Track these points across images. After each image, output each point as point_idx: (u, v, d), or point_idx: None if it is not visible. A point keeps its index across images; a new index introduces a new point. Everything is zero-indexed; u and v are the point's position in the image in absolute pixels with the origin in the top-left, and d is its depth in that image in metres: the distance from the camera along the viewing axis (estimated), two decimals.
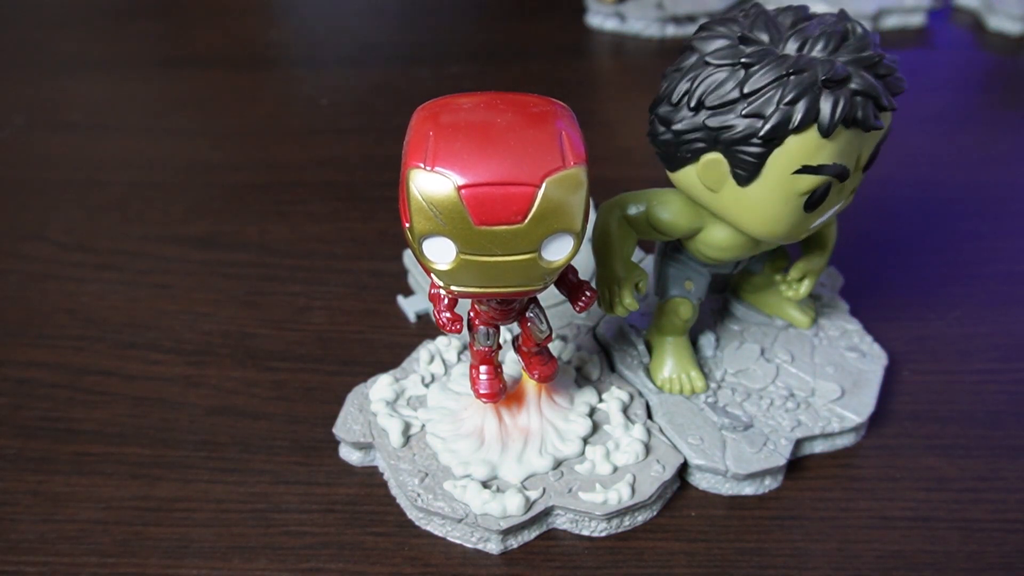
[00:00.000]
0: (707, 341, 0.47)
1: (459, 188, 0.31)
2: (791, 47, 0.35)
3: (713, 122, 0.35)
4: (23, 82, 0.74)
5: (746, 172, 0.36)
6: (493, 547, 0.39)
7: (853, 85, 0.34)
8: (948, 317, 0.51)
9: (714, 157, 0.36)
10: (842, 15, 0.36)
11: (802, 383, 0.45)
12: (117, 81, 0.75)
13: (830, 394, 0.44)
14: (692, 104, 0.35)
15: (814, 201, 0.36)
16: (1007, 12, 0.80)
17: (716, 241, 0.40)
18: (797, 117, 0.34)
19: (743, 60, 0.34)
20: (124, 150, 0.66)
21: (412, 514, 0.41)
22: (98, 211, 0.60)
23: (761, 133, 0.34)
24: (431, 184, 0.31)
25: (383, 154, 0.64)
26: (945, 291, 0.53)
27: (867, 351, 0.46)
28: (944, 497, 0.42)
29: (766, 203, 0.36)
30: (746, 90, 0.34)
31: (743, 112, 0.34)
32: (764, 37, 0.35)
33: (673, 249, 0.43)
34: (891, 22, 0.81)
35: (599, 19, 0.82)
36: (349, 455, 0.43)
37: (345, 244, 0.57)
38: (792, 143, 0.34)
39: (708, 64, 0.35)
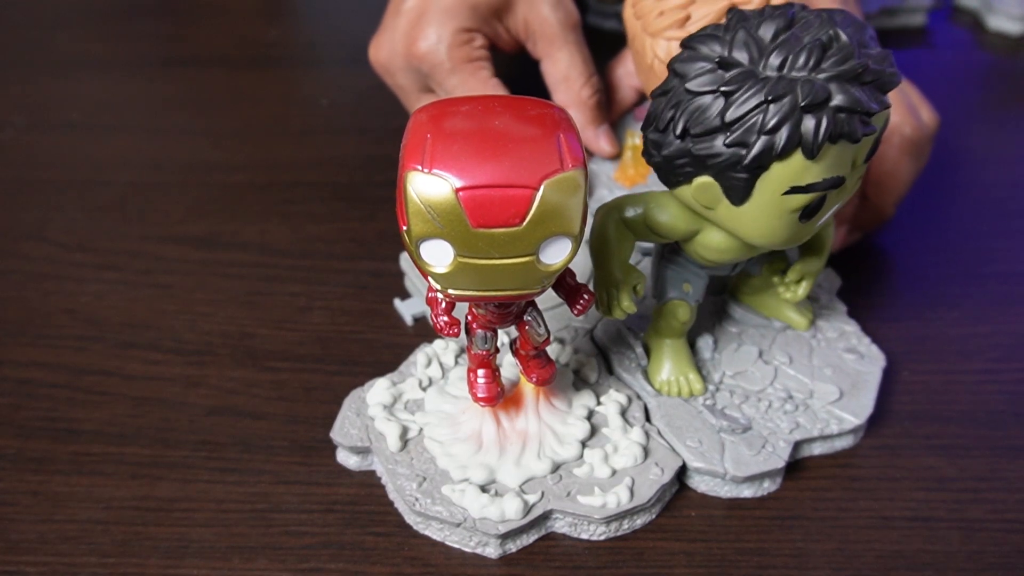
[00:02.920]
0: (705, 343, 0.47)
1: (457, 190, 0.31)
2: (773, 64, 0.34)
3: (698, 150, 0.35)
4: (23, 82, 0.74)
5: (737, 195, 0.36)
6: (491, 551, 0.39)
7: (835, 102, 0.34)
8: (948, 317, 0.51)
9: (705, 180, 0.36)
10: (827, 18, 0.35)
11: (800, 385, 0.45)
12: (117, 81, 0.75)
13: (828, 396, 0.44)
14: (677, 132, 0.35)
15: (809, 212, 0.36)
16: (1007, 12, 0.80)
17: (714, 244, 0.40)
18: (779, 144, 0.34)
19: (722, 88, 0.34)
20: (124, 150, 0.66)
21: (410, 518, 0.41)
22: (98, 211, 0.60)
23: (745, 162, 0.34)
24: (429, 186, 0.31)
25: (383, 154, 0.64)
26: (945, 291, 0.53)
27: (865, 353, 0.46)
28: (944, 497, 0.42)
29: (761, 219, 0.36)
30: (727, 119, 0.34)
31: (726, 142, 0.34)
32: (744, 57, 0.35)
33: (671, 251, 0.43)
34: (891, 22, 0.81)
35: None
36: (347, 459, 0.43)
37: (345, 244, 0.57)
38: (778, 168, 0.34)
39: (689, 92, 0.35)
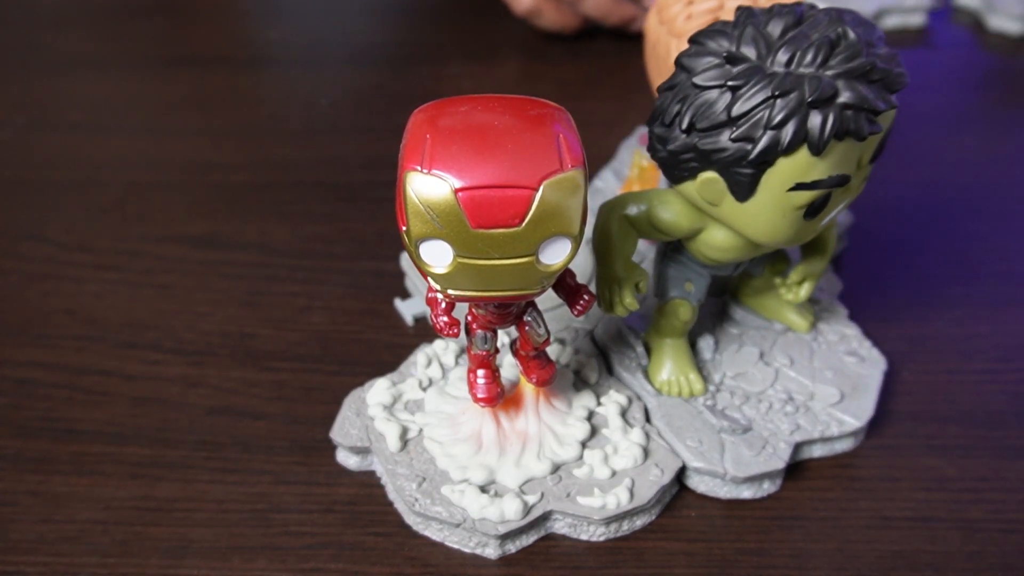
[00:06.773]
0: (706, 344, 0.46)
1: (456, 191, 0.31)
2: (780, 60, 0.34)
3: (704, 144, 0.35)
4: (23, 82, 0.74)
5: (742, 191, 0.36)
6: (491, 552, 0.39)
7: (842, 99, 0.34)
8: (948, 317, 0.51)
9: (710, 176, 0.36)
10: (835, 16, 0.36)
11: (801, 387, 0.45)
12: (117, 81, 0.75)
13: (829, 398, 0.44)
14: (683, 126, 0.35)
15: (814, 210, 0.36)
16: (1007, 12, 0.79)
17: (717, 242, 0.40)
18: (785, 140, 0.34)
19: (729, 83, 0.34)
20: (124, 150, 0.66)
21: (410, 519, 0.40)
22: (98, 211, 0.60)
23: (750, 157, 0.34)
24: (428, 187, 0.31)
25: (383, 154, 0.64)
26: (945, 291, 0.53)
27: (866, 356, 0.46)
28: (944, 497, 0.42)
29: (766, 216, 0.36)
30: (733, 113, 0.34)
31: (732, 136, 0.34)
32: (752, 52, 0.35)
33: (673, 250, 0.43)
34: (891, 22, 0.81)
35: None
36: (347, 460, 0.43)
37: (345, 244, 0.57)
38: (784, 164, 0.34)
39: (696, 86, 0.35)
